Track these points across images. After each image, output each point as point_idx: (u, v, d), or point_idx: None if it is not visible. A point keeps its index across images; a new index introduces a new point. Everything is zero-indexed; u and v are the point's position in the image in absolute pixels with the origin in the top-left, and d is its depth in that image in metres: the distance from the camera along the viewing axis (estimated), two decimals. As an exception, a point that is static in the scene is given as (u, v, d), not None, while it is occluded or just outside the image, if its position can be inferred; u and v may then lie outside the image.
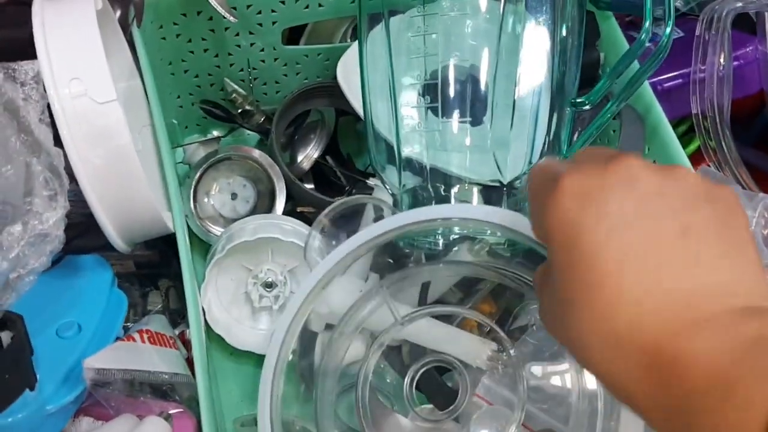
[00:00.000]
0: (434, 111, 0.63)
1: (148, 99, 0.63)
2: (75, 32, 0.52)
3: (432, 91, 0.62)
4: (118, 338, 0.55)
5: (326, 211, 0.59)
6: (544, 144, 0.63)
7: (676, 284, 0.28)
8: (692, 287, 0.28)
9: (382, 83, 0.64)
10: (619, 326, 0.28)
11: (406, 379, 0.57)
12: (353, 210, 0.63)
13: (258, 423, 0.52)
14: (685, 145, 0.77)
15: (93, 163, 0.51)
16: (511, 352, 0.57)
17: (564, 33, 0.62)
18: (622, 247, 0.29)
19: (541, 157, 0.63)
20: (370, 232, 0.54)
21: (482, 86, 0.62)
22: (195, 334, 0.53)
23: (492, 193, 0.63)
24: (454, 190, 0.62)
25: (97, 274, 0.59)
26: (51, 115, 0.50)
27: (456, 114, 0.62)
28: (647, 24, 0.58)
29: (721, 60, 0.67)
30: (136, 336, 0.55)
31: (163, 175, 0.63)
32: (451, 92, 0.62)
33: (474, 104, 0.62)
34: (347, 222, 0.65)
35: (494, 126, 0.62)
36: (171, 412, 0.52)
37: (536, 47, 0.63)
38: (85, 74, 0.51)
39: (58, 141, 0.50)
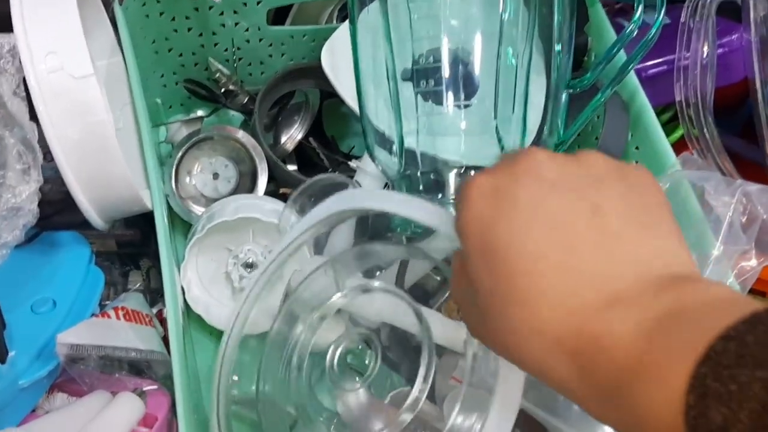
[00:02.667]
0: (426, 96, 0.63)
1: (129, 77, 0.63)
2: (52, 7, 0.52)
3: (425, 76, 0.62)
4: (93, 315, 0.55)
5: (299, 189, 0.59)
6: (542, 127, 0.63)
7: (592, 265, 0.28)
8: (608, 266, 0.28)
9: (372, 68, 0.64)
10: (542, 315, 0.28)
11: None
12: (327, 189, 0.63)
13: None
14: (669, 133, 0.77)
15: (69, 139, 0.51)
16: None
17: (558, 17, 0.62)
18: (535, 236, 0.29)
19: (537, 139, 0.62)
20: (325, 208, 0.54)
21: (478, 69, 0.62)
22: (171, 311, 0.53)
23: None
24: (451, 174, 0.62)
25: (74, 250, 0.59)
26: (27, 89, 0.50)
27: (451, 97, 0.62)
28: (639, 11, 0.58)
29: (705, 47, 0.67)
30: (112, 313, 0.54)
31: (142, 153, 0.62)
32: (445, 75, 0.62)
33: (467, 87, 0.62)
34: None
35: (497, 107, 0.62)
36: (145, 389, 0.52)
37: (531, 31, 0.63)
38: (61, 49, 0.51)
39: (33, 115, 0.50)
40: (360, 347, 0.63)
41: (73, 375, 0.51)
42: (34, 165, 0.47)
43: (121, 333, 0.53)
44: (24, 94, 0.50)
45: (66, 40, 0.51)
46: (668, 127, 0.76)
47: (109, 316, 0.54)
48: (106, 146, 0.52)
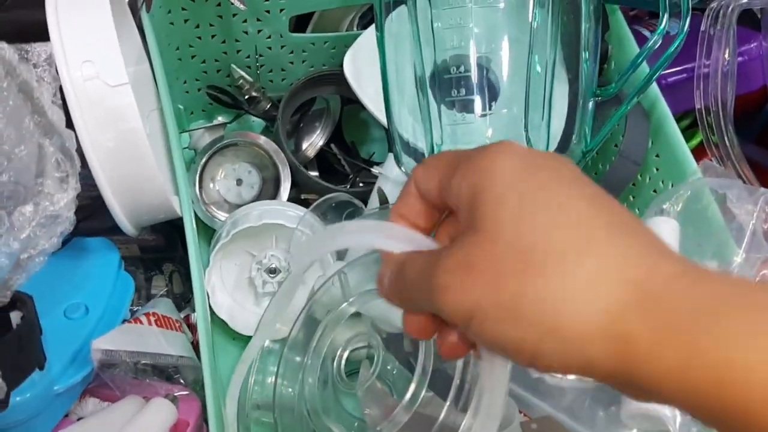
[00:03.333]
0: (451, 104, 0.63)
1: (157, 83, 0.64)
2: (87, 15, 0.52)
3: (449, 84, 0.63)
4: (125, 320, 0.55)
5: (311, 207, 0.60)
6: (568, 135, 0.63)
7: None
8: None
9: (395, 75, 0.64)
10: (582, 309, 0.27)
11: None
12: (339, 204, 0.64)
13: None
14: (687, 139, 0.77)
15: (103, 146, 0.51)
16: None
17: (585, 25, 0.63)
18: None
19: (561, 146, 0.63)
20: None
21: (506, 77, 0.63)
22: (201, 317, 0.53)
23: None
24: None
25: (104, 256, 0.59)
26: (63, 97, 0.50)
27: (479, 106, 0.62)
28: (664, 22, 0.59)
29: (726, 55, 0.67)
30: (144, 319, 0.55)
31: (170, 160, 0.63)
32: (474, 84, 0.62)
33: (493, 95, 0.63)
34: (337, 215, 0.66)
35: (527, 115, 0.62)
36: (177, 394, 0.53)
37: (555, 39, 0.64)
38: (97, 57, 0.51)
39: (70, 123, 0.51)
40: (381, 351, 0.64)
41: (107, 380, 0.52)
42: (72, 173, 0.48)
43: (153, 338, 0.54)
44: (61, 102, 0.50)
45: (101, 48, 0.51)
46: (686, 133, 0.77)
47: (141, 322, 0.55)
48: (140, 153, 0.52)
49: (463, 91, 0.61)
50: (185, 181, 0.60)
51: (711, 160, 0.72)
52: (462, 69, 0.62)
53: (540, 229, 0.28)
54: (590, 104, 0.62)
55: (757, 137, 0.81)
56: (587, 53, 0.61)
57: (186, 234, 0.57)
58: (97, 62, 0.51)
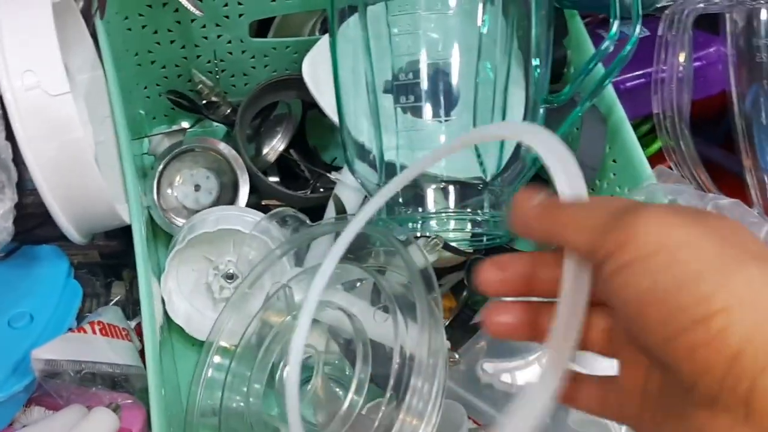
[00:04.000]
0: (406, 109, 0.63)
1: (109, 91, 0.63)
2: (29, 24, 0.52)
3: (406, 90, 0.63)
4: (70, 329, 0.55)
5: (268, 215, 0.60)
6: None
7: None
8: None
9: (352, 81, 0.65)
10: None
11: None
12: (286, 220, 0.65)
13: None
14: (648, 145, 0.78)
15: (45, 156, 0.51)
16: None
17: (536, 31, 0.63)
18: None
19: (515, 154, 0.63)
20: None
21: (457, 83, 0.63)
22: (147, 324, 0.53)
23: (468, 190, 0.63)
24: (431, 188, 0.63)
25: (53, 264, 0.59)
26: (2, 108, 0.50)
27: (431, 112, 0.62)
28: (615, 28, 0.59)
29: (681, 60, 0.67)
30: (88, 327, 0.55)
31: (122, 166, 0.63)
32: (425, 90, 0.62)
33: (448, 101, 0.63)
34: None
35: (476, 121, 0.62)
36: (120, 402, 0.53)
37: (509, 45, 0.64)
38: (38, 66, 0.51)
39: (10, 133, 0.51)
40: (337, 360, 0.64)
41: (49, 390, 0.52)
42: (9, 184, 0.48)
43: (98, 347, 0.54)
44: (0, 112, 0.50)
45: (42, 57, 0.51)
46: (647, 138, 0.77)
47: (85, 331, 0.55)
48: (83, 163, 0.52)
49: (412, 97, 0.61)
50: (135, 188, 0.59)
51: (670, 165, 0.72)
52: (412, 75, 0.62)
53: None
54: (541, 111, 0.62)
55: (723, 141, 0.81)
56: (538, 60, 0.61)
57: (135, 242, 0.57)
58: (38, 71, 0.51)
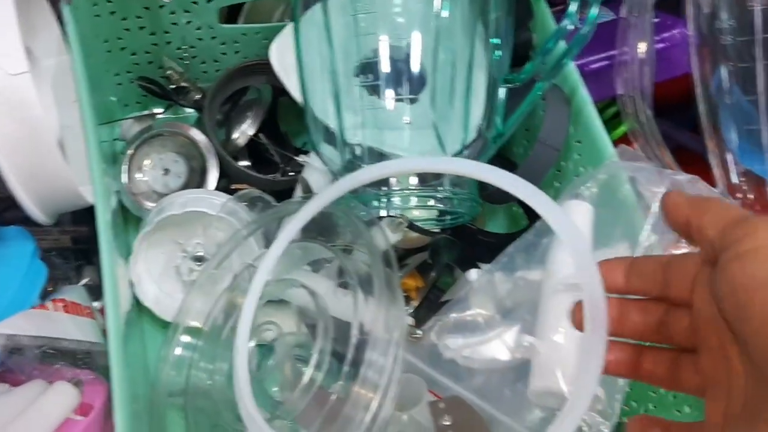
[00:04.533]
0: (371, 90, 0.64)
1: (75, 75, 0.64)
2: (-11, 6, 0.53)
3: (368, 71, 0.64)
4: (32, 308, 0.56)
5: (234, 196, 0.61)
6: (483, 120, 0.64)
7: None
8: None
9: (319, 64, 0.65)
10: None
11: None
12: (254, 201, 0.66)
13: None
14: (615, 127, 0.78)
15: (6, 135, 0.52)
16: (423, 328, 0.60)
17: (495, 12, 0.63)
18: None
19: (478, 134, 0.64)
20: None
21: (419, 64, 0.64)
22: (110, 301, 0.53)
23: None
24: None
25: (18, 244, 0.60)
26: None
27: (393, 92, 0.63)
28: (572, 7, 0.60)
29: (644, 42, 0.68)
30: (50, 305, 0.56)
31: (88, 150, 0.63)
32: (388, 71, 0.63)
33: (411, 82, 0.63)
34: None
35: (435, 102, 0.63)
36: (82, 378, 0.53)
37: (469, 27, 0.64)
38: (-3, 46, 0.52)
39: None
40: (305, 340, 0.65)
41: (11, 366, 0.52)
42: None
43: (59, 324, 0.54)
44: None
45: (1, 37, 0.52)
46: (614, 122, 0.78)
47: (47, 308, 0.55)
48: (43, 143, 0.53)
49: (374, 77, 0.62)
50: (99, 170, 0.60)
51: (636, 147, 0.73)
52: (375, 56, 0.62)
53: None
54: (502, 91, 0.63)
55: (693, 124, 0.82)
56: (498, 40, 0.62)
57: (97, 221, 0.58)
58: (-3, 51, 0.51)
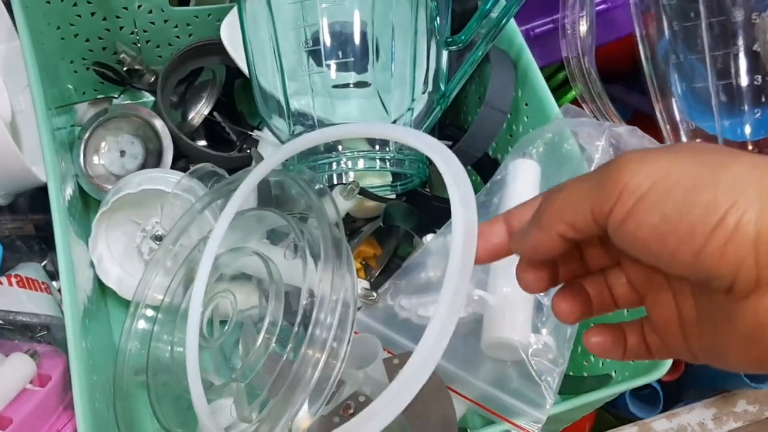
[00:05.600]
0: (316, 61, 0.65)
1: (25, 60, 0.65)
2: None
3: (313, 41, 0.65)
4: (-14, 283, 0.57)
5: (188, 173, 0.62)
6: (425, 82, 0.65)
7: None
8: None
9: (265, 39, 0.66)
10: None
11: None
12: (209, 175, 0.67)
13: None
14: (566, 93, 0.80)
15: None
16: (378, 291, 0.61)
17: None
18: None
19: (423, 93, 0.65)
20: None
21: (361, 32, 0.65)
22: (64, 272, 0.54)
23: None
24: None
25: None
26: None
27: (337, 62, 0.64)
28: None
29: (584, 4, 0.69)
30: (4, 280, 0.56)
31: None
32: (331, 40, 0.64)
33: (354, 51, 0.64)
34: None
35: (378, 68, 0.64)
36: (38, 350, 0.54)
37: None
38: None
39: None
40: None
41: (-33, 340, 0.53)
42: None
43: (14, 298, 0.55)
44: None
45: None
46: (564, 89, 0.79)
47: (1, 283, 0.56)
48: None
49: (315, 47, 0.63)
50: (51, 152, 0.60)
51: (582, 108, 0.74)
52: (318, 26, 0.63)
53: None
54: (443, 53, 0.64)
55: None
56: (434, 3, 0.63)
57: (50, 201, 0.58)
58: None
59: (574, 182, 0.32)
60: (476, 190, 0.67)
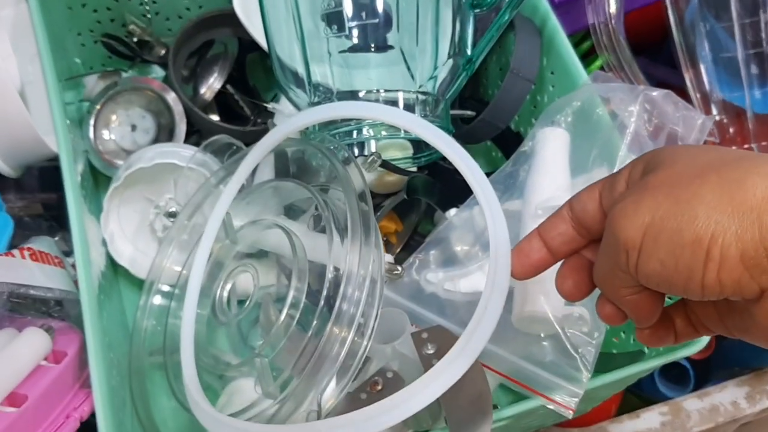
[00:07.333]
0: (338, 30, 0.63)
1: (34, 28, 0.62)
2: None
3: (334, 11, 0.62)
4: (-1, 256, 0.54)
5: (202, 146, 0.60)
6: (451, 46, 0.63)
7: None
8: None
9: (283, 7, 0.64)
10: None
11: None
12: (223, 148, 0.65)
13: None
14: (591, 63, 0.77)
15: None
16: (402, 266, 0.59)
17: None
18: None
19: (448, 58, 0.63)
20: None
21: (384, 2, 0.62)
22: (79, 248, 0.52)
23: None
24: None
25: (-19, 198, 0.58)
26: None
27: (359, 23, 0.61)
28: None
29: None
30: (16, 252, 0.54)
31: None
32: (353, 8, 0.61)
33: (377, 18, 0.62)
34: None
35: (402, 34, 0.62)
36: (53, 325, 0.52)
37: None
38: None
39: None
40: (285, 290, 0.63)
41: (-21, 315, 0.51)
42: None
43: (28, 271, 0.52)
44: None
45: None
46: (590, 58, 0.77)
47: (13, 255, 0.54)
48: (3, 91, 0.51)
49: (337, 11, 0.60)
50: (62, 121, 0.58)
51: (608, 73, 0.72)
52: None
53: (709, 158, 0.33)
54: (470, 16, 0.62)
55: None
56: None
57: (62, 172, 0.56)
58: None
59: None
60: (497, 167, 0.66)
